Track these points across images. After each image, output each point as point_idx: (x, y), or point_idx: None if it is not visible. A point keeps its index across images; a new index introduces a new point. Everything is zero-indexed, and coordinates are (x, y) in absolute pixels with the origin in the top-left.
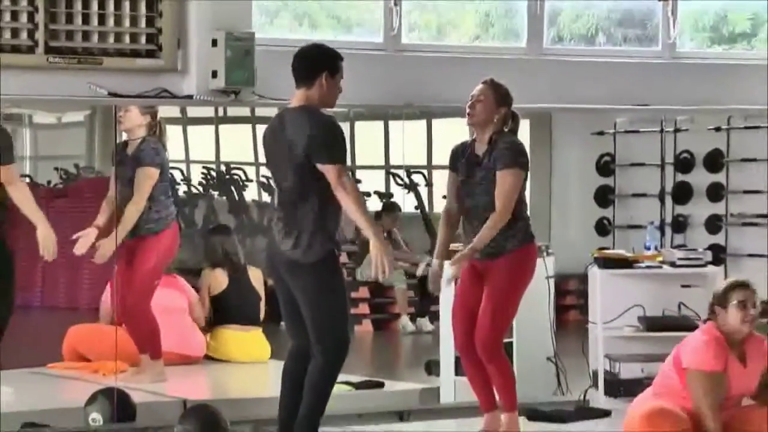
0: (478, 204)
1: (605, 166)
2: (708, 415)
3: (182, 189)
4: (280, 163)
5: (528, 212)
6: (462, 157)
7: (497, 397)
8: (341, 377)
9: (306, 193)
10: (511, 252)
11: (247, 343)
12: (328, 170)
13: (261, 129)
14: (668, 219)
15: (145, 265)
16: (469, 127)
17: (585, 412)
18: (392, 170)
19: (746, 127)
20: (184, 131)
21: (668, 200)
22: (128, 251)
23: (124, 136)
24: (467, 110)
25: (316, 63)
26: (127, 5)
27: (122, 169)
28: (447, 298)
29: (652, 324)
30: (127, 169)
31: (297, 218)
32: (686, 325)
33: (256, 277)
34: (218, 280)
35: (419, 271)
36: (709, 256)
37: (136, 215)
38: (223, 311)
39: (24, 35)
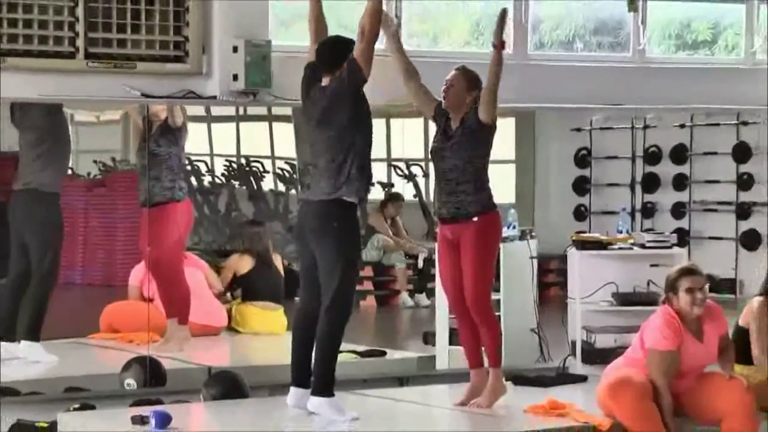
0: (446, 167)
1: (582, 159)
2: (661, 389)
3: (207, 179)
4: (314, 122)
5: (491, 184)
6: (440, 123)
7: (485, 356)
8: (348, 346)
9: (345, 141)
10: (476, 218)
11: (270, 320)
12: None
13: (277, 126)
14: (638, 206)
15: (170, 237)
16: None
17: (564, 377)
18: (393, 162)
19: (708, 124)
20: (209, 128)
21: (638, 189)
22: (151, 223)
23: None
24: (442, 94)
25: (338, 55)
26: (157, 16)
27: (146, 144)
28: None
29: (624, 299)
30: (150, 142)
31: (339, 163)
32: (654, 300)
33: (276, 259)
34: (244, 264)
35: (420, 263)
36: (674, 238)
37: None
38: (251, 291)
39: (66, 42)
